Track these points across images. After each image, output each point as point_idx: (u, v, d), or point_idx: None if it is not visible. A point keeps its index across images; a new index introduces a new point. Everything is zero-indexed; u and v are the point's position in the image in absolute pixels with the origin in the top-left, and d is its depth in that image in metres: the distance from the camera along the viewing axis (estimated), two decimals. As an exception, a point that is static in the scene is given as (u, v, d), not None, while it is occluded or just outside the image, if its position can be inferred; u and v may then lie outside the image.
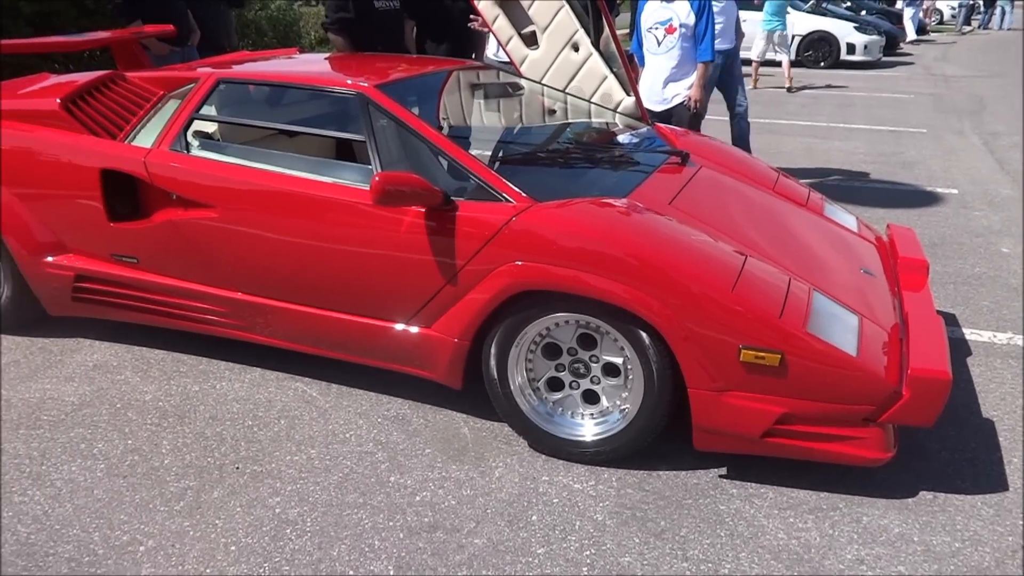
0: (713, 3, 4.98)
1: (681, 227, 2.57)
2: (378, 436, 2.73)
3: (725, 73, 5.77)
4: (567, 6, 3.86)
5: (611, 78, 3.89)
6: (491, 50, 5.50)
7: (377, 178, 2.38)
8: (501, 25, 4.01)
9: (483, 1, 4.00)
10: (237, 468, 2.55)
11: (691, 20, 4.73)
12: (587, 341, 2.51)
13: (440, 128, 2.90)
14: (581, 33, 3.87)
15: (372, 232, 2.61)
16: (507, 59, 4.17)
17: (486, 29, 4.26)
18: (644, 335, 2.36)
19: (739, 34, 5.94)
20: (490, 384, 2.60)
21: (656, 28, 4.82)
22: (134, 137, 3.05)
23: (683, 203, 2.83)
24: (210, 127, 3.16)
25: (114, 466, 2.56)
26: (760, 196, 3.19)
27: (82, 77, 3.27)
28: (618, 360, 2.47)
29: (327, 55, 3.73)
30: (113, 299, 3.16)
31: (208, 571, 2.12)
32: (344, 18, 4.45)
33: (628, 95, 3.86)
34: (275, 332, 2.94)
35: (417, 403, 2.93)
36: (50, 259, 3.16)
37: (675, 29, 4.76)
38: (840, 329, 2.33)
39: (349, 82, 2.87)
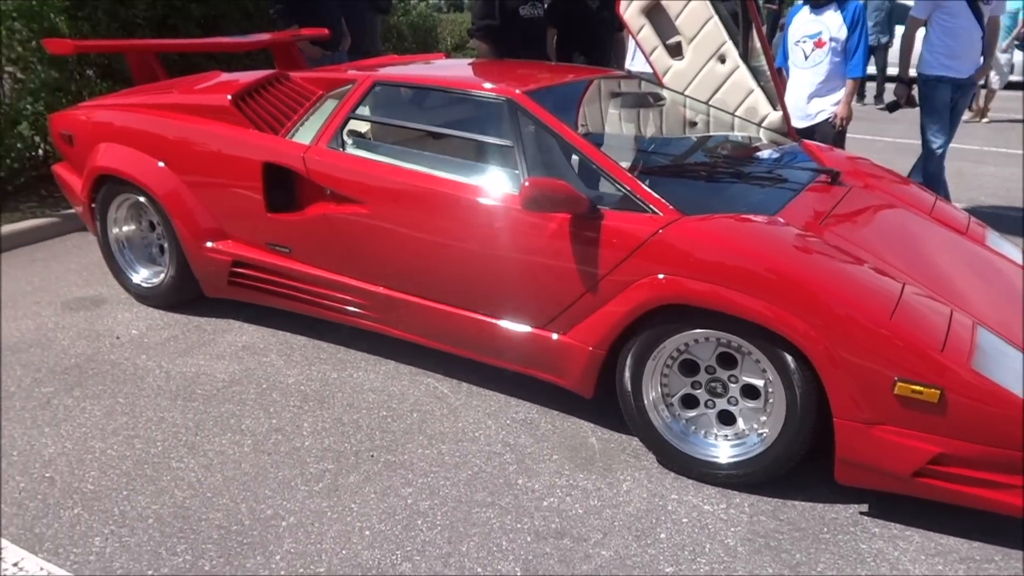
0: (946, 19, 4.71)
1: (834, 249, 2.47)
2: (506, 438, 2.76)
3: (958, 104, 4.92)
4: (716, 17, 3.80)
5: (757, 91, 3.80)
6: (627, 60, 5.49)
7: (527, 183, 2.42)
8: (646, 35, 4.00)
9: (629, 11, 3.99)
10: (372, 456, 2.64)
11: (842, 34, 4.55)
12: (727, 360, 2.46)
13: (586, 136, 2.91)
14: (729, 45, 3.80)
15: (515, 236, 2.65)
16: (644, 69, 4.15)
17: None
18: (789, 358, 2.28)
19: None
20: (623, 396, 2.58)
21: (804, 41, 4.66)
22: (294, 133, 3.22)
23: (835, 224, 2.73)
24: (363, 126, 3.30)
25: (260, 443, 2.70)
26: (917, 221, 3.03)
27: (250, 76, 3.48)
28: (759, 382, 2.40)
29: (472, 60, 3.82)
30: (264, 285, 3.34)
31: (344, 552, 2.20)
32: (490, 25, 4.55)
33: (775, 110, 3.76)
34: (412, 327, 3.02)
35: (545, 408, 2.95)
36: (211, 244, 3.38)
37: (824, 43, 4.59)
38: (1006, 368, 2.19)
39: (498, 87, 2.93)
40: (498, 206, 2.68)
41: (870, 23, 9.58)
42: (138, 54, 4.06)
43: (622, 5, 4.02)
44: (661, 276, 2.41)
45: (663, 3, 3.88)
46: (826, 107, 4.68)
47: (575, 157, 2.71)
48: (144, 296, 3.72)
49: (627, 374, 2.55)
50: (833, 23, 4.56)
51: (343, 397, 3.00)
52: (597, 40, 5.03)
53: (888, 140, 8.49)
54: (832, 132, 4.67)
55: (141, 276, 3.73)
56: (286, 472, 2.55)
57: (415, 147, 3.08)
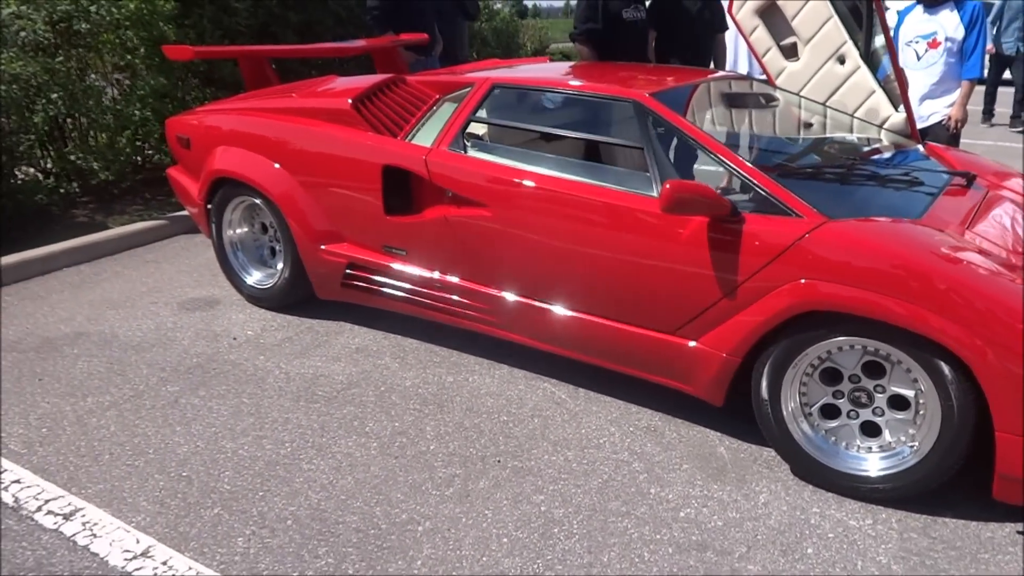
0: None
1: (986, 255, 2.35)
2: (632, 445, 2.71)
3: None
4: (836, 17, 3.68)
5: (879, 92, 3.67)
6: (727, 62, 5.38)
7: (668, 185, 2.36)
8: (760, 36, 3.90)
9: (742, 12, 3.90)
10: (499, 461, 2.62)
11: (959, 34, 4.37)
12: (873, 369, 2.36)
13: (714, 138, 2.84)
14: (849, 45, 3.69)
15: (647, 239, 2.59)
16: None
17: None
18: (946, 368, 2.17)
19: None
20: (759, 406, 2.50)
21: (917, 42, 4.49)
22: (413, 136, 3.23)
23: (979, 228, 2.60)
24: (479, 129, 3.29)
25: (385, 446, 2.70)
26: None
27: (368, 80, 3.51)
28: (909, 392, 2.30)
29: (581, 63, 3.79)
30: (379, 287, 3.35)
31: (484, 559, 2.18)
32: (592, 28, 4.50)
33: (897, 111, 3.62)
34: (532, 332, 2.99)
35: (668, 415, 2.88)
36: (326, 247, 3.41)
37: (939, 43, 4.42)
38: None
39: (625, 90, 2.88)
40: (629, 209, 2.64)
41: (1016, 28, 8.87)
42: (251, 60, 4.14)
43: (735, 6, 3.93)
44: (803, 281, 2.32)
45: (779, 3, 3.79)
46: (939, 109, 4.49)
47: (708, 159, 2.64)
48: (257, 298, 3.78)
49: (764, 383, 2.47)
50: (949, 23, 4.39)
51: (462, 401, 2.99)
52: (697, 42, 4.94)
53: (988, 144, 8.17)
54: (945, 135, 4.48)
55: (254, 278, 3.80)
56: (415, 476, 2.54)
57: (537, 150, 3.05)
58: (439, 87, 3.43)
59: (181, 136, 3.92)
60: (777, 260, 2.36)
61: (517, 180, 2.86)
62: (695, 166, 2.89)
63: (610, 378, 3.02)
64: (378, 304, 3.46)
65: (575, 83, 3.09)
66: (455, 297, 3.14)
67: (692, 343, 2.61)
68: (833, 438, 2.46)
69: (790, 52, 3.86)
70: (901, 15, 4.66)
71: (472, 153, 3.03)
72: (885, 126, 3.63)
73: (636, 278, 2.65)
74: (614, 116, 2.89)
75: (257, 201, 3.61)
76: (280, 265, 3.72)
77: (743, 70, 5.44)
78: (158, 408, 2.93)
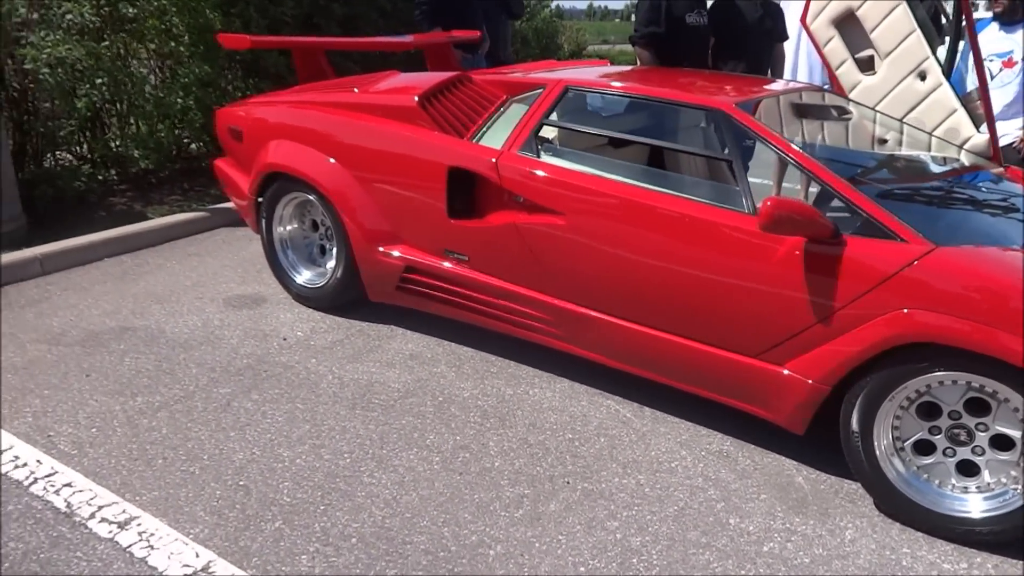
0: None
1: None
2: (705, 471, 2.59)
3: None
4: (919, 31, 3.55)
5: (961, 111, 3.53)
6: (786, 73, 5.24)
7: (769, 203, 2.24)
8: (834, 48, 3.77)
9: (817, 22, 3.77)
10: (567, 483, 2.50)
11: None
12: (976, 406, 2.23)
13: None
14: (932, 61, 3.55)
15: (739, 258, 2.47)
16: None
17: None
18: (1061, 410, 2.04)
19: None
20: (848, 439, 2.37)
21: (992, 60, 4.34)
22: (479, 137, 3.11)
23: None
24: (549, 133, 3.17)
25: (448, 460, 2.59)
26: None
27: (434, 77, 3.39)
28: (1016, 433, 2.17)
29: (645, 67, 3.66)
30: (437, 293, 3.24)
31: (562, 590, 2.07)
32: (655, 32, 4.37)
33: (979, 131, 3.48)
34: (600, 347, 2.88)
35: (739, 440, 2.76)
36: (383, 248, 3.30)
37: (1015, 63, 4.26)
38: None
39: (709, 99, 2.76)
40: (718, 225, 2.51)
41: None
42: (306, 52, 4.03)
43: (809, 15, 3.80)
44: (906, 311, 2.20)
45: (857, 15, 3.65)
46: (1010, 131, 4.34)
47: (800, 176, 2.51)
48: (305, 297, 3.68)
49: (856, 415, 2.34)
50: None
51: (524, 416, 2.87)
52: (757, 51, 4.80)
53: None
54: (1016, 158, 4.33)
55: (304, 277, 3.69)
56: (482, 495, 2.43)
57: (613, 157, 2.93)
58: (507, 87, 3.31)
59: (233, 128, 3.82)
60: (880, 287, 2.23)
61: (596, 189, 2.74)
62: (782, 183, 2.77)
63: (675, 398, 2.90)
64: (433, 310, 3.35)
65: (653, 89, 2.97)
66: (518, 307, 3.02)
67: (776, 368, 2.49)
68: (926, 475, 2.33)
69: (866, 66, 3.73)
70: (975, 28, 4.50)
71: (545, 158, 2.92)
72: (966, 147, 3.49)
73: (721, 298, 2.52)
74: (695, 125, 2.77)
75: (310, 198, 3.51)
76: (331, 264, 3.62)
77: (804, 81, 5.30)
78: (210, 411, 2.83)
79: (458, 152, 3.04)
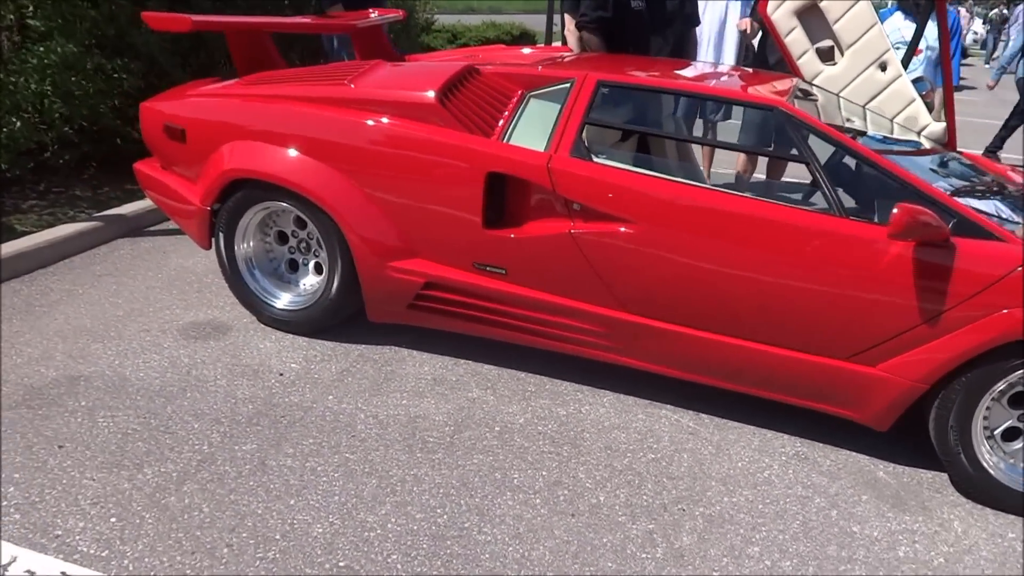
0: None
1: None
2: (798, 478, 2.56)
3: None
4: (879, 24, 3.71)
5: (918, 101, 3.75)
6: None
7: (899, 211, 2.21)
8: (796, 38, 3.84)
9: (779, 12, 3.82)
10: (683, 510, 2.37)
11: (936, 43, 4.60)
12: (1064, 393, 2.37)
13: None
14: (892, 53, 3.72)
15: (839, 264, 2.43)
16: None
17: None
18: None
19: None
20: (943, 432, 2.45)
21: (897, 47, 4.68)
22: (507, 138, 2.83)
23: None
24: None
25: (551, 501, 2.36)
26: None
27: (440, 68, 3.03)
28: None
29: (660, 59, 3.52)
30: (464, 310, 2.94)
31: (755, 634, 1.94)
32: (603, 16, 4.24)
33: (939, 121, 3.73)
34: (664, 358, 2.75)
35: (807, 440, 2.77)
36: (395, 263, 2.93)
37: (920, 51, 4.64)
38: None
39: (763, 96, 2.69)
40: (811, 229, 2.46)
41: None
42: (249, 34, 3.45)
43: (770, 5, 3.84)
44: (1005, 311, 2.28)
45: (821, 6, 3.74)
46: None
47: (880, 175, 2.52)
48: (284, 321, 3.20)
49: (955, 410, 2.41)
50: (930, 31, 4.59)
51: (593, 439, 2.69)
52: (678, 34, 4.82)
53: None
54: None
55: (284, 300, 3.20)
56: (609, 537, 2.23)
57: (665, 157, 2.78)
58: (521, 81, 3.04)
59: (171, 125, 3.20)
60: (990, 288, 2.29)
61: (672, 194, 2.58)
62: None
63: (723, 402, 2.87)
64: (456, 328, 3.04)
65: (695, 85, 2.85)
66: (564, 320, 2.81)
67: (869, 369, 2.50)
68: (1012, 460, 2.46)
69: (826, 56, 3.84)
70: (882, 14, 4.83)
71: (600, 160, 2.71)
72: (923, 134, 3.72)
73: (817, 304, 2.48)
74: (751, 124, 2.69)
75: (283, 207, 3.04)
76: (311, 282, 3.18)
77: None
78: (246, 475, 2.37)
79: (497, 155, 2.74)
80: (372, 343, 3.18)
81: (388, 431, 2.64)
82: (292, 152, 2.95)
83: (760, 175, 4.63)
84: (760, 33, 5.17)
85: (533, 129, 2.85)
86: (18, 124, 4.28)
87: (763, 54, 4.99)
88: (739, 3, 5.66)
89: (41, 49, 4.30)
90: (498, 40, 10.48)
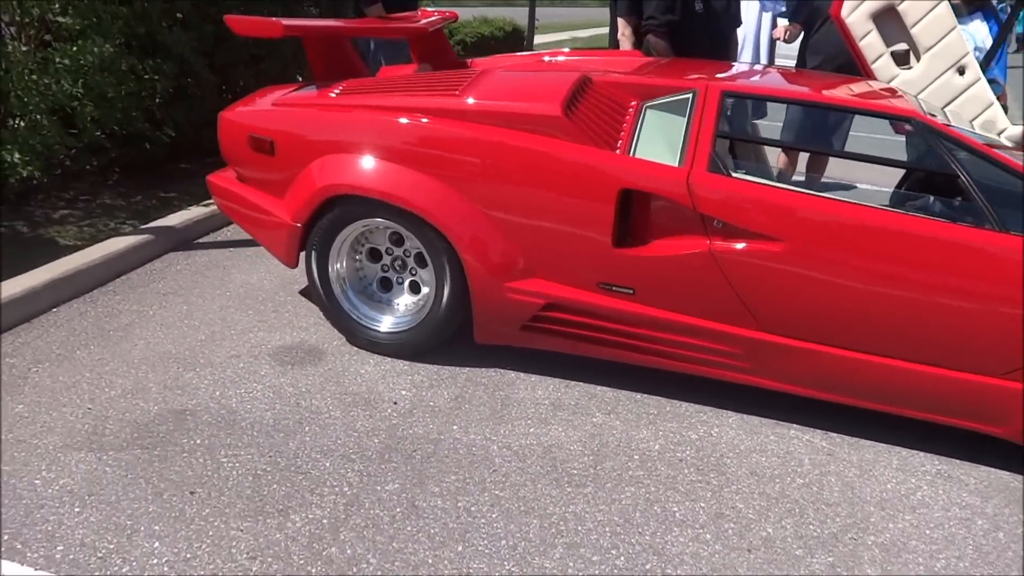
0: None
1: None
2: (950, 498, 2.51)
3: None
4: (959, 27, 3.69)
5: (996, 105, 3.74)
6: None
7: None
8: (871, 42, 3.80)
9: (855, 15, 3.77)
10: (854, 539, 2.29)
11: (987, 44, 4.61)
12: None
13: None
14: (971, 57, 3.71)
15: (1002, 282, 2.38)
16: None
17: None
18: None
19: None
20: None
21: None
22: (633, 153, 2.71)
23: None
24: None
25: (722, 536, 2.26)
26: None
27: (557, 78, 2.89)
28: None
29: (781, 68, 3.42)
30: (584, 331, 2.82)
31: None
32: (672, 20, 4.15)
33: (1017, 124, 3.72)
34: (801, 378, 2.68)
35: (943, 458, 2.71)
36: (513, 284, 2.79)
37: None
38: None
39: (899, 107, 2.63)
40: (970, 246, 2.40)
41: None
42: (333, 39, 3.24)
43: (845, 8, 3.78)
44: None
45: (899, 9, 3.70)
46: None
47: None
48: (384, 344, 3.03)
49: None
50: (979, 32, 4.60)
51: (734, 464, 2.60)
52: (724, 36, 4.75)
53: None
54: None
55: (387, 324, 3.02)
56: (792, 571, 2.14)
57: (788, 169, 2.69)
58: (635, 91, 2.92)
59: (259, 137, 3.00)
60: None
61: (816, 209, 2.50)
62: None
63: (846, 419, 2.80)
64: (570, 349, 2.91)
65: (826, 96, 2.76)
66: (694, 341, 2.71)
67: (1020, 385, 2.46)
68: None
69: (901, 59, 3.81)
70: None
71: (737, 176, 2.61)
72: (1003, 136, 3.71)
73: (972, 322, 2.43)
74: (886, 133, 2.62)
75: (393, 225, 2.88)
76: (406, 302, 3.04)
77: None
78: (401, 520, 2.21)
79: (631, 171, 2.62)
80: (474, 366, 3.03)
81: (528, 463, 2.51)
82: (400, 167, 2.78)
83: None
84: (801, 36, 5.14)
85: (657, 143, 2.73)
86: (50, 130, 4.00)
87: (803, 57, 4.95)
88: (771, 3, 5.62)
89: (74, 49, 4.02)
90: (491, 37, 10.29)
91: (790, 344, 2.62)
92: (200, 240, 4.11)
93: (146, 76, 4.48)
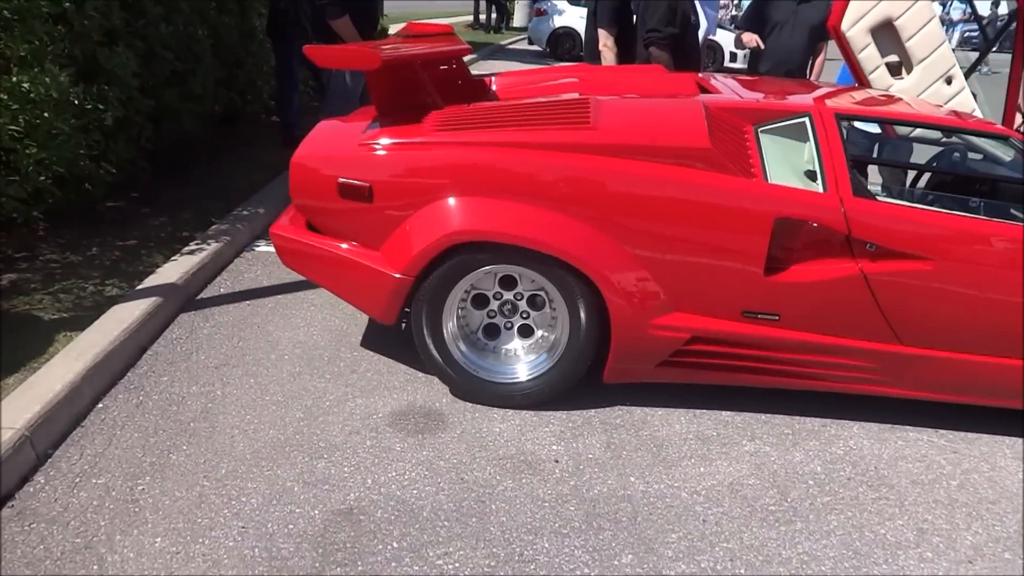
0: None
1: None
2: (1072, 478, 2.76)
3: None
4: (947, 41, 4.03)
5: (978, 110, 4.12)
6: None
7: None
8: (869, 55, 4.06)
9: (854, 29, 4.01)
10: (1041, 537, 2.46)
11: None
12: None
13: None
14: (957, 68, 4.06)
15: None
16: None
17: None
18: None
19: None
20: None
21: None
22: (768, 180, 2.71)
23: None
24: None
25: (940, 552, 2.33)
26: None
27: (691, 106, 2.79)
28: None
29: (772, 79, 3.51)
30: (728, 361, 2.78)
31: None
32: (673, 33, 4.18)
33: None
34: (936, 384, 2.81)
35: (1031, 442, 2.98)
36: (658, 320, 2.70)
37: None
38: None
39: (991, 125, 2.83)
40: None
41: None
42: (407, 67, 2.90)
43: (846, 22, 4.00)
44: None
45: (896, 24, 3.97)
46: None
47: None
48: (522, 395, 2.82)
49: None
50: None
51: (891, 474, 2.67)
52: (698, 45, 4.87)
53: None
54: None
55: (524, 371, 2.81)
56: (1021, 579, 2.27)
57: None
58: (745, 115, 2.90)
59: (352, 183, 2.66)
60: None
61: (961, 228, 2.63)
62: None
63: (940, 415, 2.97)
64: (709, 379, 2.87)
65: (936, 116, 2.92)
66: (836, 359, 2.76)
67: None
68: None
69: (894, 71, 4.10)
70: None
71: (883, 199, 2.68)
72: (980, 139, 4.11)
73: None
74: (990, 152, 2.82)
75: (517, 269, 2.68)
76: (514, 347, 2.87)
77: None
78: (662, 593, 2.08)
79: (784, 200, 2.60)
80: (593, 407, 2.90)
81: (726, 507, 2.44)
82: (535, 208, 2.59)
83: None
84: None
85: (782, 168, 2.75)
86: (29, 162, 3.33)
87: (754, 63, 5.18)
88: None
89: (21, 80, 3.34)
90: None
91: (930, 355, 2.74)
92: (202, 296, 3.58)
93: (88, 106, 3.81)
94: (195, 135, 5.40)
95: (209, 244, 3.87)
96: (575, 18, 15.48)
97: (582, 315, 2.70)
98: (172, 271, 3.53)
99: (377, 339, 3.25)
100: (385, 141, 2.72)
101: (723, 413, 2.95)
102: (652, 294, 2.67)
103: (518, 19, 22.76)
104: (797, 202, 2.62)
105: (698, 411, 2.95)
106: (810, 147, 2.80)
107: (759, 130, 2.88)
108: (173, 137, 5.02)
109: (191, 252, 3.77)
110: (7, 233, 3.84)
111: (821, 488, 2.57)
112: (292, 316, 3.43)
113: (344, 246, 2.77)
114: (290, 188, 2.78)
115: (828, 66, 5.32)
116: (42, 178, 3.63)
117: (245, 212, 4.44)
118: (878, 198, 2.69)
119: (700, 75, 3.72)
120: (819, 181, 2.69)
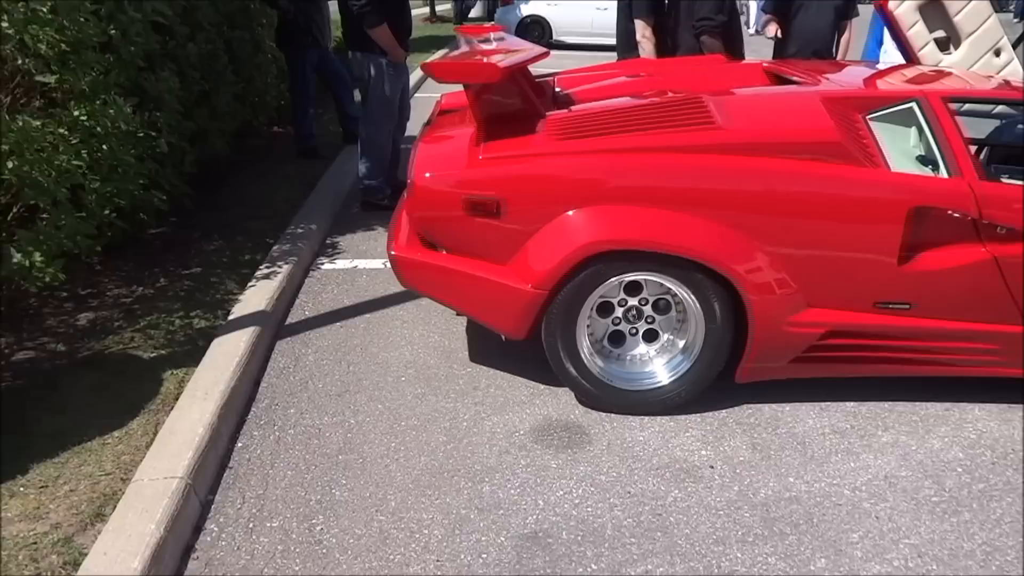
0: None
1: None
2: None
3: None
4: (995, 14, 4.08)
5: (1031, 80, 4.20)
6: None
7: None
8: (918, 31, 4.10)
9: (903, 8, 4.04)
10: None
11: None
12: None
13: None
14: (1005, 40, 4.12)
15: None
16: None
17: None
18: None
19: None
20: None
21: None
22: (890, 167, 2.71)
23: None
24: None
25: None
26: None
27: (814, 97, 2.77)
28: None
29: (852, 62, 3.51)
30: (861, 352, 2.79)
31: None
32: (723, 21, 4.17)
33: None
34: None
35: None
36: (794, 318, 2.69)
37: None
38: None
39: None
40: None
41: None
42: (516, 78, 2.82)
43: (892, 2, 4.04)
44: None
45: (944, 1, 4.02)
46: None
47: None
48: (661, 399, 2.79)
49: None
50: None
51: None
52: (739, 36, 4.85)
53: None
54: None
55: (664, 375, 2.79)
56: None
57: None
58: (853, 104, 2.86)
59: (480, 198, 2.59)
60: None
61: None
62: None
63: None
64: (839, 372, 2.88)
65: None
66: (967, 344, 2.79)
67: None
68: None
69: (943, 45, 4.15)
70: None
71: (1008, 181, 2.70)
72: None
73: None
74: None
75: (649, 276, 2.65)
76: (640, 352, 2.85)
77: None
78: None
79: (918, 188, 2.61)
80: (721, 408, 2.88)
81: (892, 501, 2.45)
82: (671, 212, 2.56)
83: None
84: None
85: (899, 154, 2.75)
86: (64, 219, 3.16)
87: (779, 45, 5.19)
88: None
89: (80, 113, 3.18)
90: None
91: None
92: (291, 321, 3.47)
93: (141, 134, 3.65)
94: (221, 154, 5.24)
95: (280, 267, 3.75)
96: (542, 6, 15.40)
97: (718, 316, 2.68)
98: (255, 298, 3.41)
99: (484, 353, 3.19)
100: (509, 154, 2.66)
101: (848, 404, 2.96)
102: (789, 291, 2.66)
103: (475, 10, 22.56)
104: (931, 190, 2.62)
105: (823, 404, 2.95)
106: (916, 132, 2.82)
107: (868, 117, 2.88)
108: (204, 158, 4.86)
109: (265, 276, 3.65)
110: (65, 270, 3.67)
111: (972, 475, 2.59)
112: (389, 335, 3.34)
113: (471, 262, 2.70)
114: (410, 208, 2.70)
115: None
116: (106, 212, 3.47)
117: (300, 230, 4.31)
118: (1003, 180, 2.71)
119: (765, 63, 3.72)
120: (941, 166, 2.70)
